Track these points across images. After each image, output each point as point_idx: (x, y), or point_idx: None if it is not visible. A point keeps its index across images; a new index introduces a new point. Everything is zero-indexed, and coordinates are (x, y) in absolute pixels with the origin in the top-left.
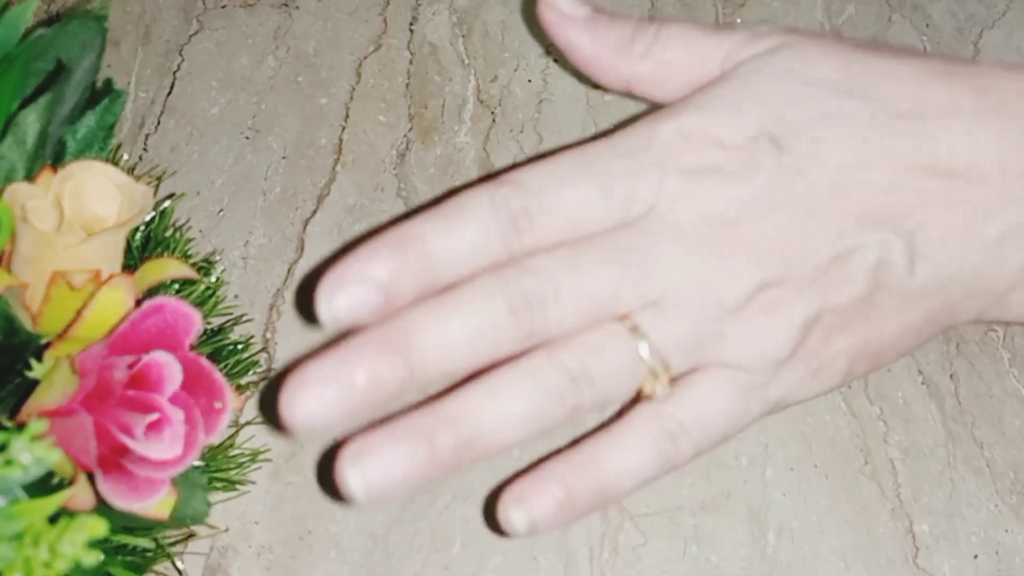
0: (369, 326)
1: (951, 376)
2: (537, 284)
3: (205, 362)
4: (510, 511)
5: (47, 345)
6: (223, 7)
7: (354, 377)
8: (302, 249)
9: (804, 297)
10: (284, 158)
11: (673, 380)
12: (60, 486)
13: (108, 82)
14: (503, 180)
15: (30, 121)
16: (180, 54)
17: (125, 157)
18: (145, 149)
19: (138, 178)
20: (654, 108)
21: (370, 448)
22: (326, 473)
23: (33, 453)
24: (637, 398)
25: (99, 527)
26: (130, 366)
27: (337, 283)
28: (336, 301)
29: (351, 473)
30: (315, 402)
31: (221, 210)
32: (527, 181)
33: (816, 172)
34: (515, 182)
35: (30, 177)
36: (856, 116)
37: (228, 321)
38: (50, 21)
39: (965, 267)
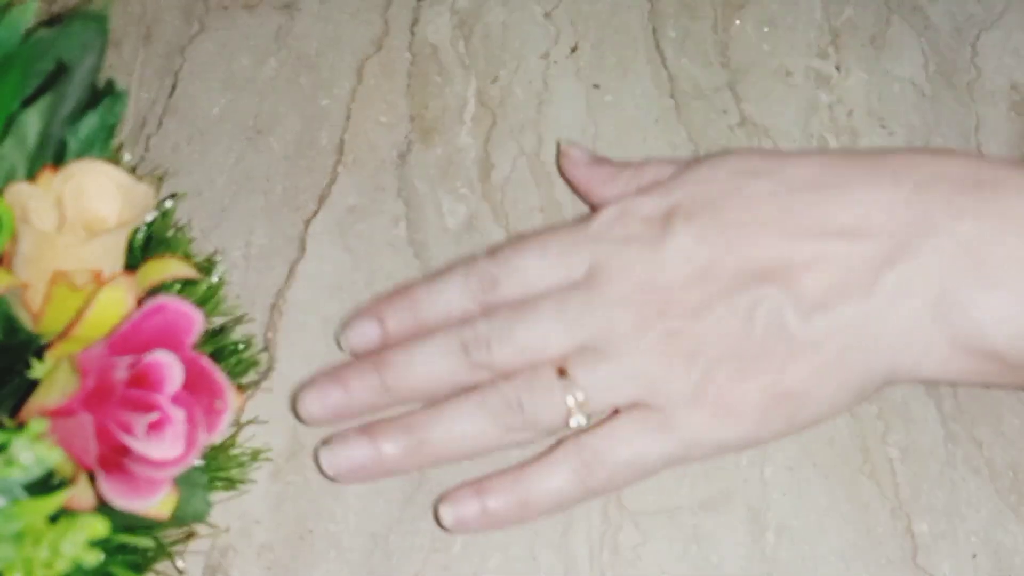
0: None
1: None
2: (487, 328)
3: (206, 362)
4: (442, 507)
5: (48, 345)
6: (225, 8)
7: (346, 387)
8: (303, 249)
9: (704, 344)
10: (285, 158)
11: (609, 417)
12: (61, 486)
13: (109, 82)
14: (488, 253)
15: (31, 121)
16: (181, 55)
17: (127, 157)
18: (147, 149)
19: (140, 178)
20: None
21: (343, 439)
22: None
23: (34, 453)
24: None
25: (100, 527)
26: (131, 366)
27: (352, 321)
28: (348, 332)
29: (324, 455)
30: (317, 403)
31: (222, 210)
32: (500, 253)
33: (715, 237)
34: (492, 254)
35: (31, 177)
36: (757, 190)
37: (229, 321)
38: (51, 21)
39: (858, 315)
